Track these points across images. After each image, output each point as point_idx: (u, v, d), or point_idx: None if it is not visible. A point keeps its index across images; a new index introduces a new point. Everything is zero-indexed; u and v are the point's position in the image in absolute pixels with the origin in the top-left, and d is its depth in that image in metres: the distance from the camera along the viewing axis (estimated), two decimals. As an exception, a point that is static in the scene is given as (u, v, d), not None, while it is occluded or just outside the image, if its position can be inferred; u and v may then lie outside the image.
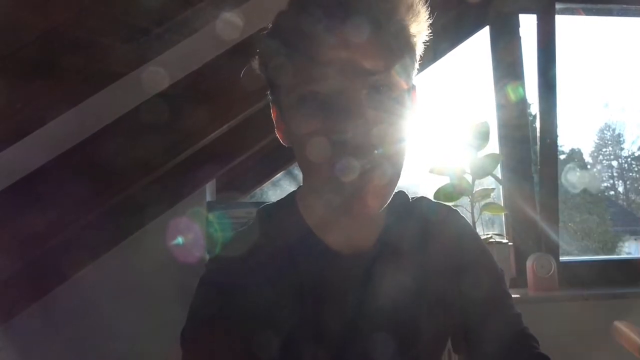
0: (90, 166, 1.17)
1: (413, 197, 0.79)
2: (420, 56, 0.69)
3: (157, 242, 1.53)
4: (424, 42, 0.68)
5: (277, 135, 0.72)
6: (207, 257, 1.54)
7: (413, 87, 0.69)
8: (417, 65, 0.68)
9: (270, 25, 0.67)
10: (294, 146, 0.67)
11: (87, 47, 0.91)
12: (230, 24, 1.13)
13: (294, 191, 0.76)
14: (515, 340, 0.71)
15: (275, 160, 1.97)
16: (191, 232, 1.55)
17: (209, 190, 1.71)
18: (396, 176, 0.64)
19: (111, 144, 1.18)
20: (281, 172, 2.08)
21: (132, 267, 1.54)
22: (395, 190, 0.78)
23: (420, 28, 0.65)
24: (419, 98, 0.71)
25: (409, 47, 0.65)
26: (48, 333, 1.44)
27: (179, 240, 1.53)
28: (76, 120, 1.13)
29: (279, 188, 2.16)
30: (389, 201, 0.64)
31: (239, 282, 0.67)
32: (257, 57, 0.69)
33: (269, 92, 0.70)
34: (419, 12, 0.64)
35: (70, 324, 1.46)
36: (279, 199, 0.78)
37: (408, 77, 0.65)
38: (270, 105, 0.71)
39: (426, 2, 0.65)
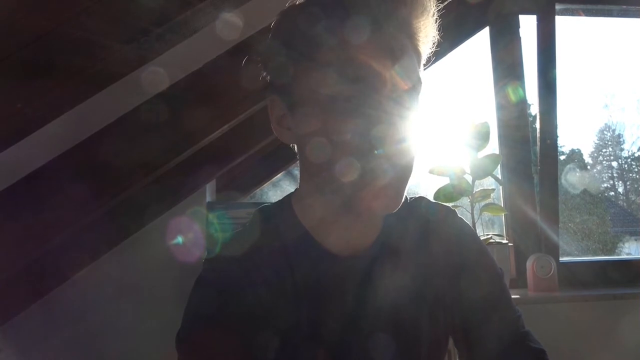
0: (90, 167, 1.17)
1: (411, 197, 0.79)
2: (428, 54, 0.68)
3: (157, 243, 1.53)
4: (431, 42, 0.67)
5: (276, 133, 0.72)
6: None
7: (419, 86, 0.68)
8: (422, 64, 0.68)
9: (273, 25, 0.67)
10: (299, 146, 0.67)
11: (87, 47, 0.91)
12: (230, 25, 1.13)
13: (290, 194, 0.77)
14: (514, 341, 0.71)
15: (275, 160, 1.97)
16: (191, 232, 1.55)
17: (209, 191, 1.71)
18: (407, 176, 0.64)
19: (111, 145, 1.18)
20: (281, 173, 2.09)
21: (132, 268, 1.54)
22: None
23: (426, 28, 0.65)
24: (423, 98, 0.71)
25: (412, 47, 0.65)
26: (48, 333, 1.44)
27: (179, 240, 1.53)
28: (76, 121, 1.13)
29: (278, 188, 2.16)
30: (402, 201, 0.64)
31: (236, 282, 0.66)
32: (258, 56, 0.69)
33: (270, 91, 0.70)
34: (423, 11, 0.64)
35: (70, 324, 1.46)
36: (276, 200, 0.78)
37: (414, 77, 0.65)
38: (270, 103, 0.71)
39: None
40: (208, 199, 1.68)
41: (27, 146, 1.03)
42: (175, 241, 1.53)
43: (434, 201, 0.80)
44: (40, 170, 1.11)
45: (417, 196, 0.80)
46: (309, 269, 0.68)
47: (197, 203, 1.61)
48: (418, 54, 0.66)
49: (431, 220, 0.76)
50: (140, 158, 1.20)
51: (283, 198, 0.77)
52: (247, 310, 0.65)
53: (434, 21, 0.65)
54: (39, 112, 0.93)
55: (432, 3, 0.65)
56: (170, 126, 1.20)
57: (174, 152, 1.25)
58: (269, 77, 0.70)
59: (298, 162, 0.71)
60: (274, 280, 0.67)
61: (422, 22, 0.64)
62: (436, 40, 0.68)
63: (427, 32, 0.66)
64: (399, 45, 0.62)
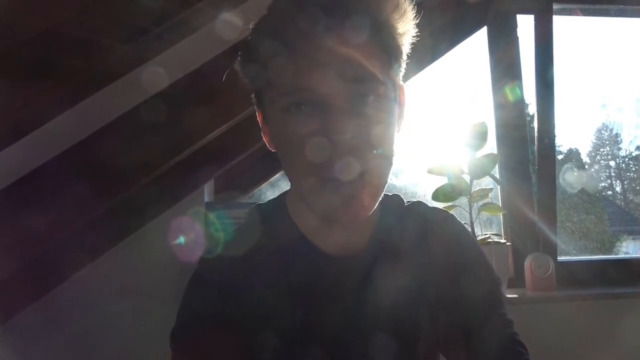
0: (89, 166, 1.17)
1: (409, 201, 0.79)
2: (408, 55, 0.67)
3: (156, 242, 1.53)
4: (411, 42, 0.66)
5: (264, 139, 0.72)
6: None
7: (400, 87, 0.68)
8: (403, 65, 0.67)
9: (250, 28, 0.66)
10: (278, 150, 0.67)
11: (86, 47, 0.91)
12: (229, 24, 1.13)
13: (284, 193, 0.76)
14: (508, 345, 0.71)
15: (274, 160, 1.96)
16: (190, 232, 1.55)
17: (208, 191, 1.71)
18: (382, 178, 0.63)
19: (110, 144, 1.18)
20: (280, 173, 2.08)
21: (131, 267, 1.54)
22: (390, 194, 0.78)
23: (406, 27, 0.64)
24: (408, 98, 0.70)
25: (395, 47, 0.64)
26: (48, 333, 1.44)
27: (179, 240, 1.53)
28: (76, 120, 1.13)
29: (277, 188, 2.16)
30: (376, 205, 0.63)
31: (233, 282, 0.67)
32: (238, 59, 0.69)
33: (252, 96, 0.71)
34: (405, 11, 0.63)
35: (69, 323, 1.46)
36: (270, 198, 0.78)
37: (394, 77, 0.64)
38: (256, 109, 0.71)
39: (422, 2, 0.65)
40: (206, 199, 1.67)
41: (26, 146, 1.03)
42: (174, 241, 1.53)
43: (431, 206, 0.80)
44: (40, 169, 1.11)
45: (414, 201, 0.80)
46: (304, 270, 0.68)
47: (195, 203, 1.60)
48: (401, 54, 0.65)
49: (430, 221, 0.76)
50: (139, 158, 1.20)
51: (278, 197, 0.77)
52: (244, 311, 0.65)
53: (413, 20, 0.64)
54: (38, 111, 0.94)
55: (409, 3, 0.63)
56: (169, 126, 1.20)
57: (173, 151, 1.25)
58: (249, 82, 0.69)
59: None
60: (270, 281, 0.67)
61: (403, 22, 0.63)
62: (414, 32, 0.66)
63: (408, 32, 0.65)
64: (383, 45, 0.61)
